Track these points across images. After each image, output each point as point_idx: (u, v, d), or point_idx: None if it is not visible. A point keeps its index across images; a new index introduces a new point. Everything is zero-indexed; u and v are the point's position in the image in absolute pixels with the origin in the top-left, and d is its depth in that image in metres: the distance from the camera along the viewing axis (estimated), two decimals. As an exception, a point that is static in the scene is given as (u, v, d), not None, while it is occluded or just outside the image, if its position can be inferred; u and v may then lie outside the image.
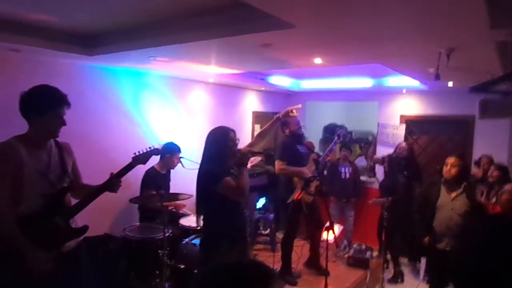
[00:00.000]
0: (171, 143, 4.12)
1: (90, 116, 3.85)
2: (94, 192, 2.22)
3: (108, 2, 2.36)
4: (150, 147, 2.48)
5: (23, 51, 3.13)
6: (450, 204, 3.16)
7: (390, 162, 4.74)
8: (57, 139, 2.17)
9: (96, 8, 2.50)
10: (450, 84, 4.15)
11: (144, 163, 2.45)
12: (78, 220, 2.26)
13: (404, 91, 5.33)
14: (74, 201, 2.26)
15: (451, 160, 3.20)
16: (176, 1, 2.29)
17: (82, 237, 2.27)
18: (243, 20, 2.30)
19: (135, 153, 2.42)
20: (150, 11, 2.50)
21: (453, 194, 3.18)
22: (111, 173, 2.29)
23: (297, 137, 4.08)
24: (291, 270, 4.20)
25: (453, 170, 3.15)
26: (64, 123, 2.07)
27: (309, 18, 1.98)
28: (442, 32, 2.19)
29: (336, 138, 4.24)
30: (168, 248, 3.28)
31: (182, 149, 4.16)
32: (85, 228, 2.20)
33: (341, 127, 7.13)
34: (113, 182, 2.25)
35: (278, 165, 3.96)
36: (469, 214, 3.05)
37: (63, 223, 2.12)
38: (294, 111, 3.13)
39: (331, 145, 4.25)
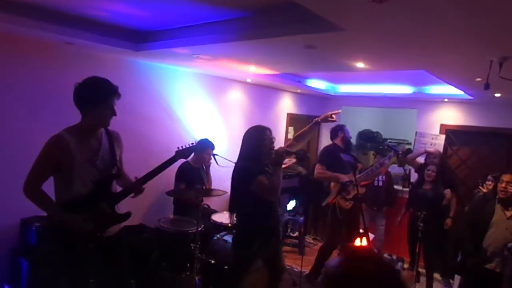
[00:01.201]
0: (206, 139, 4.20)
1: (133, 109, 3.99)
2: (142, 179, 2.33)
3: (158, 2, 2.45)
4: (192, 143, 2.55)
5: (76, 44, 3.29)
6: (505, 223, 3.03)
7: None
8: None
9: (145, 7, 2.60)
10: (498, 94, 3.98)
11: (186, 157, 2.53)
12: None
13: (445, 99, 5.17)
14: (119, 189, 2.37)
15: (507, 177, 3.06)
16: (224, 2, 2.34)
17: (123, 224, 2.37)
18: (289, 21, 2.31)
19: (178, 148, 2.49)
20: (197, 10, 2.56)
21: (509, 213, 3.04)
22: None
23: (346, 144, 4.11)
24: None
25: (510, 188, 3.02)
26: (115, 113, 2.17)
27: (362, 23, 1.96)
28: (497, 39, 2.11)
29: (392, 153, 4.16)
30: (199, 243, 3.34)
31: (216, 146, 4.22)
32: (128, 214, 2.30)
33: (377, 134, 7.03)
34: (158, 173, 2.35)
35: (317, 168, 4.02)
36: None
37: (109, 208, 2.22)
38: (333, 116, 3.10)
39: (384, 159, 4.18)
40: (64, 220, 2.07)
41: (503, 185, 3.06)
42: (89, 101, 2.09)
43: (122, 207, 2.37)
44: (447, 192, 4.29)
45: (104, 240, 2.18)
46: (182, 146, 2.51)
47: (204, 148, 4.05)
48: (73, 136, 2.09)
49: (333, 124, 3.83)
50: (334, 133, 4.18)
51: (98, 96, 2.09)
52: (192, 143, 2.56)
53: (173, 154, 2.49)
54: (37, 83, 3.29)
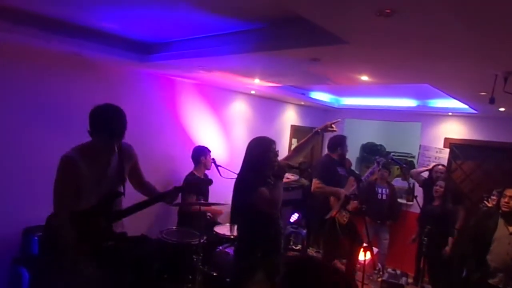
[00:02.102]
0: (200, 146, 4.22)
1: (137, 120, 3.99)
2: (143, 204, 2.33)
3: (164, 16, 2.49)
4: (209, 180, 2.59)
5: (83, 55, 3.33)
6: (508, 238, 3.00)
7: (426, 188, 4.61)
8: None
9: (152, 19, 2.64)
10: (502, 109, 3.97)
11: (195, 191, 2.54)
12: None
13: (449, 113, 5.16)
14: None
15: (510, 192, 3.06)
16: (230, 14, 2.37)
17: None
18: (295, 34, 2.34)
19: (187, 177, 2.51)
20: (203, 22, 2.60)
21: None
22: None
23: (342, 159, 4.10)
24: None
25: None
26: (114, 150, 2.13)
27: (366, 36, 1.97)
28: (502, 54, 2.11)
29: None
30: (202, 254, 3.31)
31: (219, 158, 4.22)
32: (123, 235, 2.30)
33: (380, 147, 7.01)
34: (167, 197, 2.40)
35: (315, 183, 3.97)
36: None
37: (105, 224, 2.19)
38: (333, 126, 3.11)
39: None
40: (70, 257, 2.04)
41: (506, 199, 3.05)
42: (93, 127, 2.06)
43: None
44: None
45: (102, 249, 2.16)
46: (193, 173, 2.53)
47: (202, 155, 4.05)
48: (82, 156, 2.08)
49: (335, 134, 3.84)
50: (333, 147, 4.11)
51: (101, 127, 2.05)
52: (205, 178, 2.60)
53: (174, 167, 2.50)
54: (43, 93, 3.31)
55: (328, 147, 4.17)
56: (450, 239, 4.12)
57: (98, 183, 2.13)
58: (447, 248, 4.11)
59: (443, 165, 4.83)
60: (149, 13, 2.51)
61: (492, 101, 2.61)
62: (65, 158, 2.05)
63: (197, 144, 4.43)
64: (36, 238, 3.05)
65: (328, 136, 5.96)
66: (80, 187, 2.06)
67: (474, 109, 4.46)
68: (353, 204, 3.79)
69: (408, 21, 1.70)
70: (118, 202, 2.27)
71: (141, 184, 2.43)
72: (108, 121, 2.06)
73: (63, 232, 2.02)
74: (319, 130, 3.08)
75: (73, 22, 2.85)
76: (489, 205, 3.91)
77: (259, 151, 2.70)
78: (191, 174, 3.99)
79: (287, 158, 3.07)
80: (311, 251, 5.35)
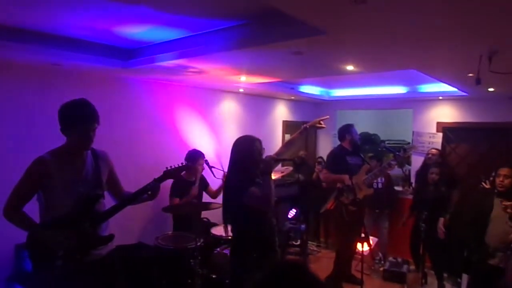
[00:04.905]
0: (193, 150, 4.17)
1: (124, 125, 3.98)
2: (124, 201, 2.29)
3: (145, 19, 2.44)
4: (182, 163, 2.53)
5: (63, 65, 3.28)
6: (504, 217, 2.98)
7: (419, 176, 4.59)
8: (94, 147, 2.23)
9: (132, 23, 2.59)
10: (491, 89, 3.95)
11: (175, 178, 2.49)
12: (112, 229, 2.30)
13: (440, 97, 5.14)
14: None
15: (504, 171, 3.07)
16: (208, 12, 2.33)
17: (113, 246, 2.30)
18: (273, 29, 2.30)
19: (167, 168, 2.46)
20: (185, 23, 2.55)
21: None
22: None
23: (354, 146, 4.07)
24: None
25: (507, 181, 3.02)
26: (90, 139, 2.10)
27: (343, 24, 1.94)
28: (484, 33, 2.08)
29: (392, 160, 4.06)
30: (199, 258, 3.28)
31: (211, 159, 4.18)
32: (111, 237, 2.23)
33: (374, 136, 7.00)
34: (144, 192, 2.31)
35: (322, 173, 4.15)
36: None
37: (91, 229, 2.14)
38: (321, 122, 3.08)
39: (391, 160, 4.08)
40: (44, 238, 2.02)
41: (500, 179, 3.05)
42: (64, 124, 2.06)
43: (117, 227, 2.32)
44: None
45: (90, 264, 2.11)
46: (171, 166, 2.47)
47: (195, 160, 4.01)
48: (55, 157, 2.06)
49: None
50: (341, 135, 4.12)
51: (71, 120, 2.06)
52: (182, 164, 2.53)
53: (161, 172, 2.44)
54: (26, 108, 3.27)
55: (338, 138, 4.18)
56: (441, 220, 4.06)
57: (73, 183, 2.09)
58: (440, 227, 4.04)
59: (436, 149, 4.80)
60: (128, 15, 2.46)
61: (478, 82, 2.59)
62: (36, 158, 2.06)
63: (189, 147, 4.40)
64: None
65: (321, 132, 6.00)
66: (49, 186, 2.04)
67: (464, 92, 4.44)
68: (352, 195, 3.73)
69: (383, 7, 1.66)
70: (99, 205, 2.22)
71: (120, 194, 2.39)
72: (78, 110, 2.07)
73: (14, 223, 2.04)
74: (307, 127, 3.05)
75: (49, 32, 2.80)
76: (487, 186, 3.88)
77: (243, 152, 2.66)
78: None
79: (277, 154, 3.03)
80: (311, 245, 5.33)
